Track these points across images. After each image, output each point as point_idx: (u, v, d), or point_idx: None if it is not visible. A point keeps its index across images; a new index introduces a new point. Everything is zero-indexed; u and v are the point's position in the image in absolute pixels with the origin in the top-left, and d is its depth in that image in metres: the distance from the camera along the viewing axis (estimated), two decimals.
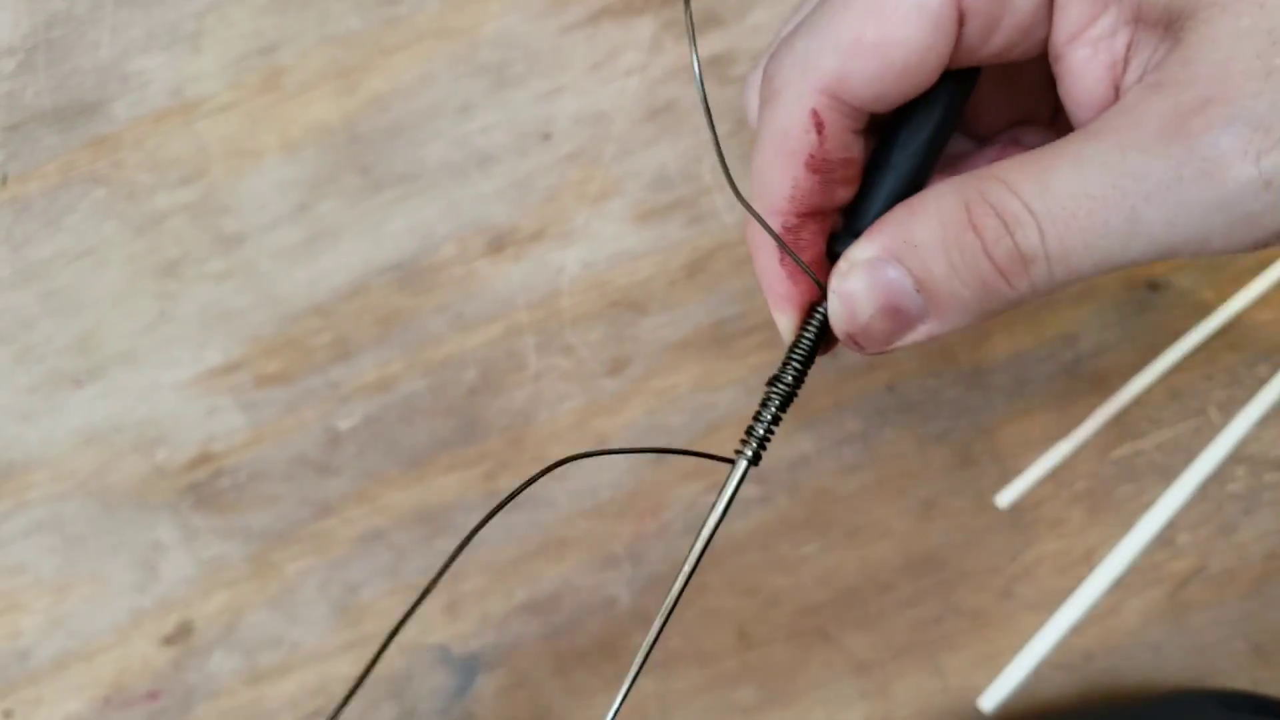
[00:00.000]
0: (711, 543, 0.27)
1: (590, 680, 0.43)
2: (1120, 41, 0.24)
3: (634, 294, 0.43)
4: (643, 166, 0.42)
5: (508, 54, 0.42)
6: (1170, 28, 0.22)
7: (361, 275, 0.42)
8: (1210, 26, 0.22)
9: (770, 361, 0.42)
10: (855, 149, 0.26)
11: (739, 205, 0.27)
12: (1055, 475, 0.42)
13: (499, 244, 0.42)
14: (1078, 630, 0.42)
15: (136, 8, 0.42)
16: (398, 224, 0.42)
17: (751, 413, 0.27)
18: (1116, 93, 0.24)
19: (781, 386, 0.27)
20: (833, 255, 0.27)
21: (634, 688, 0.25)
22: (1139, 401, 0.42)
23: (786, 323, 0.27)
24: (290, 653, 0.43)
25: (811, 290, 0.27)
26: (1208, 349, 0.42)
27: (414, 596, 0.43)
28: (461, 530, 0.42)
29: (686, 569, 0.26)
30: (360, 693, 0.42)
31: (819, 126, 0.25)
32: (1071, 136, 0.23)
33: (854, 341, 0.26)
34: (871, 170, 0.27)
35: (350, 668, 0.42)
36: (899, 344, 0.25)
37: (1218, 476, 0.42)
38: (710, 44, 0.42)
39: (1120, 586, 0.42)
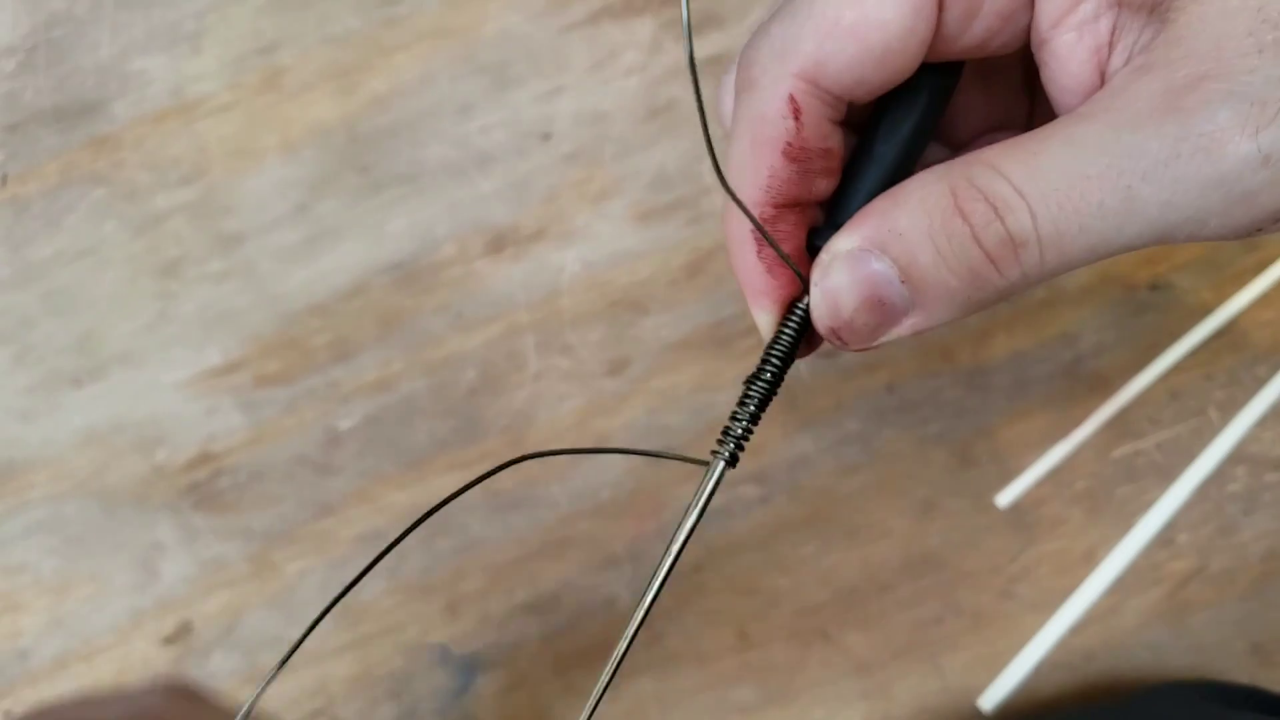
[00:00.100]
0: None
1: (590, 680, 0.42)
2: (1104, 26, 0.24)
3: (634, 294, 0.43)
4: (643, 166, 0.42)
5: (508, 54, 0.42)
6: (1155, 10, 0.22)
7: (361, 275, 0.42)
8: (1199, 6, 0.21)
9: None
10: (835, 140, 0.25)
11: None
12: (1055, 475, 0.42)
13: (499, 244, 0.42)
14: (1078, 630, 0.42)
15: (136, 8, 0.42)
16: (397, 224, 0.42)
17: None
18: (1102, 78, 0.24)
19: (760, 385, 0.26)
20: (813, 249, 0.26)
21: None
22: (1139, 401, 0.42)
23: (766, 319, 0.26)
24: None
25: (791, 285, 0.26)
26: (1208, 349, 0.42)
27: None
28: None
29: (661, 573, 0.24)
30: (360, 692, 0.42)
31: (796, 113, 0.24)
32: (1060, 120, 0.23)
33: (837, 337, 0.25)
34: (853, 163, 0.26)
35: (350, 668, 0.42)
36: (884, 339, 0.24)
37: (1218, 476, 0.42)
38: (710, 44, 0.42)
39: (1120, 586, 0.42)
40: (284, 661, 0.24)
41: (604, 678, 0.24)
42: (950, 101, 0.26)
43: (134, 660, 0.42)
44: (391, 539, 0.23)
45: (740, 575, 0.42)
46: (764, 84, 0.24)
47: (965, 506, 0.42)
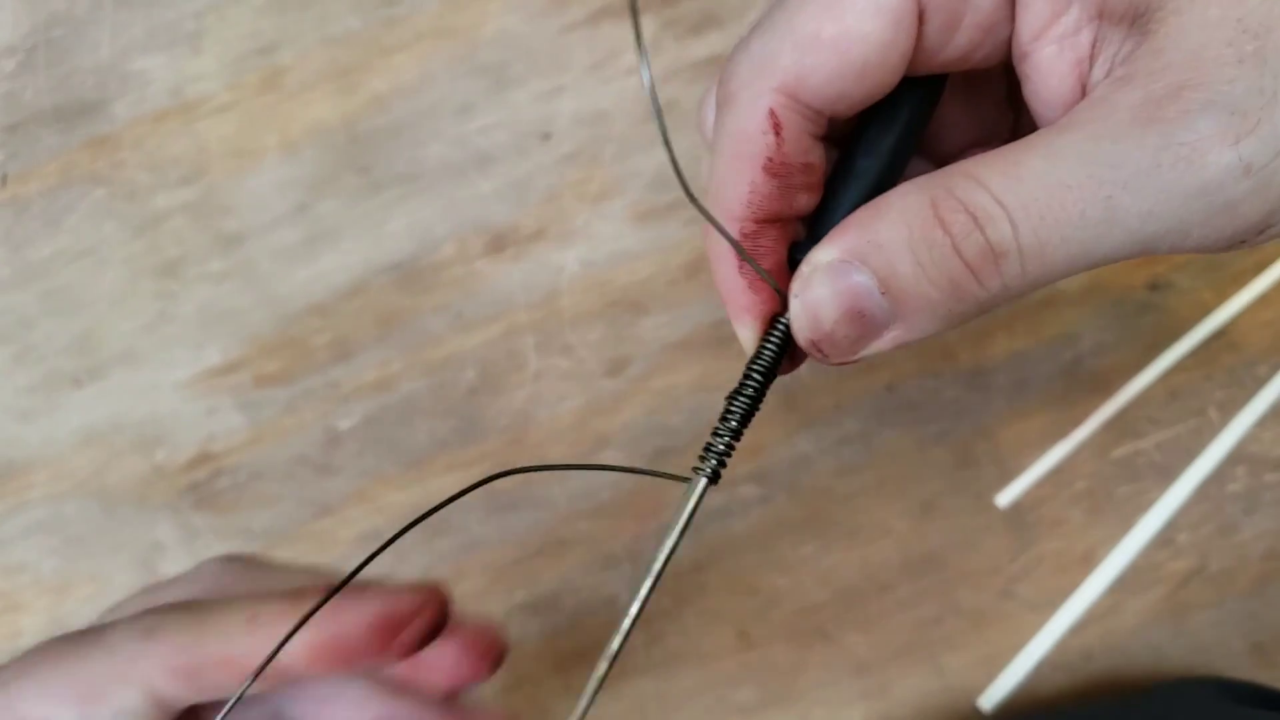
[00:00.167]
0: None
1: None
2: (1085, 38, 0.24)
3: (634, 294, 0.43)
4: (643, 166, 0.42)
5: (508, 54, 0.42)
6: (1136, 22, 0.22)
7: (361, 275, 0.42)
8: (1179, 18, 0.21)
9: None
10: (815, 155, 0.25)
11: None
12: (1055, 475, 0.42)
13: (499, 244, 0.42)
14: (1078, 630, 0.42)
15: (136, 8, 0.42)
16: (397, 224, 0.42)
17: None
18: (1084, 90, 0.24)
19: (741, 401, 0.25)
20: (794, 263, 0.25)
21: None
22: (1139, 401, 0.42)
23: (747, 334, 0.26)
24: None
25: (772, 300, 0.26)
26: (1208, 349, 0.42)
27: None
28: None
29: (643, 591, 0.25)
30: None
31: (776, 128, 0.24)
32: (1041, 132, 0.23)
33: (818, 350, 0.24)
34: (834, 178, 0.26)
35: None
36: (865, 353, 0.24)
37: (1218, 476, 0.42)
38: (709, 44, 0.42)
39: (1120, 586, 0.42)
40: (270, 658, 0.24)
41: (582, 704, 0.24)
42: (933, 116, 0.26)
43: None
44: (391, 539, 0.23)
45: (740, 575, 0.42)
46: (744, 99, 0.24)
47: (965, 506, 0.42)
